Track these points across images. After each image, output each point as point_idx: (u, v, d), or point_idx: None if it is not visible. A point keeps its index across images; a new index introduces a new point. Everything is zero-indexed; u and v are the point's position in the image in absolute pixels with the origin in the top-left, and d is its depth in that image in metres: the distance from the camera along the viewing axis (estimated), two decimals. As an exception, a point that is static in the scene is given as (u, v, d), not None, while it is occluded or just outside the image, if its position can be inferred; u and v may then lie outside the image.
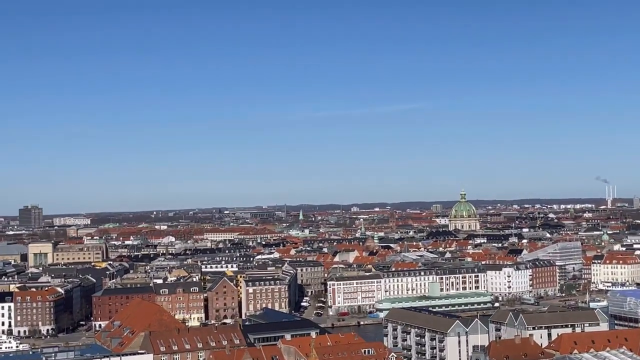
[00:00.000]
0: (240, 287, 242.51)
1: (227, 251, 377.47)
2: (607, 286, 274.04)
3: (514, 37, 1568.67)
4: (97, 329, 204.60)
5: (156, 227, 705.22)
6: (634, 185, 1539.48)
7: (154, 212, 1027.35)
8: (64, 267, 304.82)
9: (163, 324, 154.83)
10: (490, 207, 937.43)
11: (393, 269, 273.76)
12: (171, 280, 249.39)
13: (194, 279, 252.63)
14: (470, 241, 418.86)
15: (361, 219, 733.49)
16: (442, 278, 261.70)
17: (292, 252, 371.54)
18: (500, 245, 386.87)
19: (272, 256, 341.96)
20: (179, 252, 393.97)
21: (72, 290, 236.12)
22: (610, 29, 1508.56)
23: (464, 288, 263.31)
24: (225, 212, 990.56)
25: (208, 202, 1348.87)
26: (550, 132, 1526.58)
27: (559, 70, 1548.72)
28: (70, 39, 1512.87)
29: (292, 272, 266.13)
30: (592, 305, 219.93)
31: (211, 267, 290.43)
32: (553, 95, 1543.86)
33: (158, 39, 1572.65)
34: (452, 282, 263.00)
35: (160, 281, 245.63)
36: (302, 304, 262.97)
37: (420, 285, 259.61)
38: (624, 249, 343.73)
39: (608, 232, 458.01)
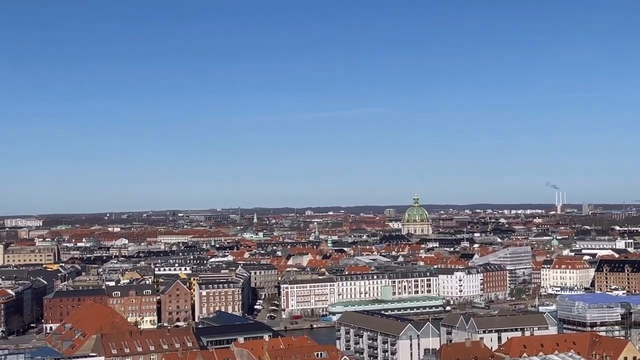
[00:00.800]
0: (194, 290, 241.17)
1: (180, 254, 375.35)
2: (556, 290, 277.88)
3: (465, 40, 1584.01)
4: (48, 331, 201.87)
5: (109, 229, 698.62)
6: (583, 191, 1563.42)
7: (107, 214, 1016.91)
8: (15, 268, 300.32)
9: (115, 326, 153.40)
10: (442, 212, 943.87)
11: (346, 273, 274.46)
12: (124, 283, 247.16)
13: (147, 282, 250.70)
14: (423, 245, 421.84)
15: (315, 223, 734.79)
16: (394, 282, 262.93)
17: (246, 255, 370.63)
18: (452, 249, 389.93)
19: (225, 259, 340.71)
20: (132, 254, 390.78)
21: (23, 292, 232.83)
22: (559, 30, 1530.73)
23: (416, 292, 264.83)
24: (179, 214, 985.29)
25: (162, 205, 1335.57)
26: (502, 137, 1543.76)
27: (511, 75, 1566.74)
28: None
29: (245, 275, 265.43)
30: (541, 309, 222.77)
31: (164, 270, 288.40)
32: (505, 100, 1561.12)
33: (101, 39, 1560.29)
34: (405, 286, 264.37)
35: (112, 284, 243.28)
36: (256, 307, 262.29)
37: (373, 289, 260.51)
38: (572, 254, 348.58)
39: (557, 237, 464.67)
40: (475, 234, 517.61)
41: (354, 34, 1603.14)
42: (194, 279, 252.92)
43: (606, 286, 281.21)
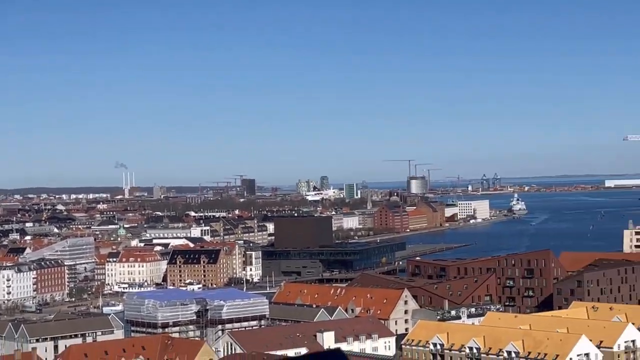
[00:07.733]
0: None
1: None
2: (124, 288, 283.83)
3: None
4: None
5: None
6: (155, 172, 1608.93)
7: None
8: None
9: None
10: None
11: None
12: None
13: None
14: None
15: None
16: None
17: None
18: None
19: None
20: None
21: None
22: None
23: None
24: None
25: None
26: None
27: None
28: None
29: None
30: (106, 310, 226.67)
31: None
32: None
33: None
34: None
35: None
36: None
37: None
38: (142, 244, 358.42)
39: (125, 225, 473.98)
40: (27, 224, 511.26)
41: None
42: None
43: (180, 280, 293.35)
